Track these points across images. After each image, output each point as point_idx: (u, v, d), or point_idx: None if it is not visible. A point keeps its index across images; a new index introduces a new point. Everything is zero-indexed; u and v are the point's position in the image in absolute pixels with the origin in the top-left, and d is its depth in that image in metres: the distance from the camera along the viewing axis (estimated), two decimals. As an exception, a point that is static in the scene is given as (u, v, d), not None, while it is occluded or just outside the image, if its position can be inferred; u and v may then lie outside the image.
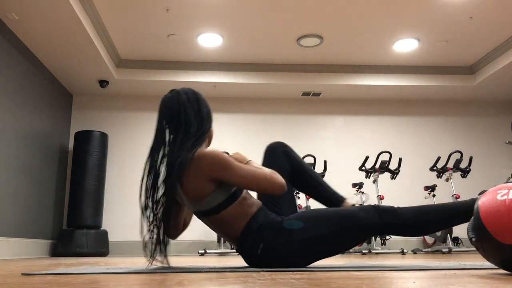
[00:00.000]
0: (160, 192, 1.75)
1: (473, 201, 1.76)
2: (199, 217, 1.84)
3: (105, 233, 5.52)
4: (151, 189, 1.75)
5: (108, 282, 1.20)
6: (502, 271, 1.42)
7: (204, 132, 1.80)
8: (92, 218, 5.42)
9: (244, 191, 1.80)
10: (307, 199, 5.50)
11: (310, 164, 5.65)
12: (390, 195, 6.03)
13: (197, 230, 6.09)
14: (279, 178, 1.70)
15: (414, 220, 1.83)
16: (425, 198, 5.99)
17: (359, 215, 1.77)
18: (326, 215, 1.79)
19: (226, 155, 1.70)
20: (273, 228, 1.74)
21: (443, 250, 5.14)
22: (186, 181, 1.70)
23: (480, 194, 5.41)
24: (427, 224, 1.87)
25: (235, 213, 1.74)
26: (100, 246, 5.35)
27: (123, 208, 6.06)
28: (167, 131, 1.76)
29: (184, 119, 1.77)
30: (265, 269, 1.62)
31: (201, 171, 1.67)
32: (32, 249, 4.99)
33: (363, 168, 5.67)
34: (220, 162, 1.66)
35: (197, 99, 1.84)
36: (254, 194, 1.91)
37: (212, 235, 5.94)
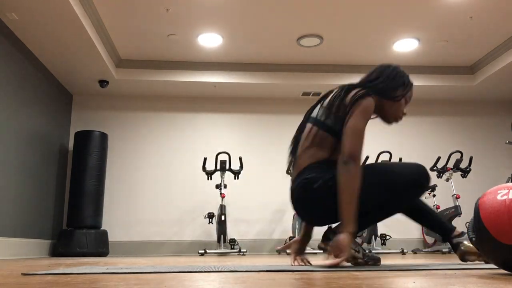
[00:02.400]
0: None
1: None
2: (313, 124, 1.99)
3: (105, 233, 5.52)
4: None
5: (108, 282, 1.20)
6: (502, 271, 1.42)
7: (383, 92, 1.99)
8: (92, 218, 5.42)
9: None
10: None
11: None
12: (390, 195, 6.03)
13: (197, 230, 6.09)
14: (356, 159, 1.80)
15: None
16: (425, 198, 5.99)
17: (400, 177, 1.88)
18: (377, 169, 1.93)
19: (371, 108, 1.90)
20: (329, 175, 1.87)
21: (443, 250, 5.15)
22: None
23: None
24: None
25: (328, 144, 1.91)
26: (100, 246, 5.35)
27: (123, 208, 6.07)
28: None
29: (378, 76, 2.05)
30: (264, 269, 1.62)
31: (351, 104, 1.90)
32: (32, 249, 4.99)
33: (363, 168, 5.66)
34: (361, 105, 1.87)
35: (398, 72, 2.05)
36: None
37: (212, 235, 5.95)
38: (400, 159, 5.67)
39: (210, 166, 5.78)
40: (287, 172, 5.70)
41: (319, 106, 2.03)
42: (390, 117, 2.05)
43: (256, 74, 6.06)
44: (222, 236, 5.38)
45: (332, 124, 1.92)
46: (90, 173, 5.51)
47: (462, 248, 2.00)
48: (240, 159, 5.68)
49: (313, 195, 1.88)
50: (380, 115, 2.07)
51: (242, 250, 5.34)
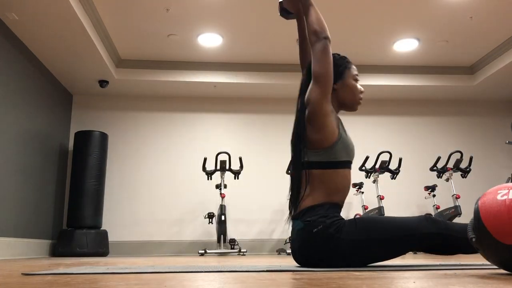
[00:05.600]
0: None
1: None
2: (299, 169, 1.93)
3: (105, 233, 5.52)
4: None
5: (108, 282, 1.20)
6: (502, 271, 1.42)
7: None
8: (92, 218, 5.42)
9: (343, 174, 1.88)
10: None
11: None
12: (390, 195, 6.03)
13: (197, 230, 6.09)
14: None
15: (462, 233, 1.80)
16: (425, 198, 5.99)
17: (412, 223, 1.79)
18: (381, 220, 1.83)
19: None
20: (328, 223, 1.79)
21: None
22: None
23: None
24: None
25: (326, 182, 1.85)
26: (100, 246, 5.35)
27: (123, 208, 6.07)
28: None
29: None
30: (264, 269, 1.62)
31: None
32: (32, 249, 4.99)
33: (363, 168, 5.67)
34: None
35: None
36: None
37: (212, 235, 5.94)
38: (400, 159, 5.67)
39: (210, 166, 5.78)
40: (287, 172, 5.70)
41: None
42: (349, 102, 2.02)
43: (256, 74, 6.06)
44: (222, 236, 5.38)
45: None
46: (90, 173, 5.51)
47: None
48: (240, 159, 5.68)
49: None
50: (342, 106, 2.04)
51: (242, 250, 5.34)
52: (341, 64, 2.00)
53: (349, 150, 1.91)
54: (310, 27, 1.93)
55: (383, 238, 1.77)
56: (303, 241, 1.80)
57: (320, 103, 1.85)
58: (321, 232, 1.76)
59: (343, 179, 1.88)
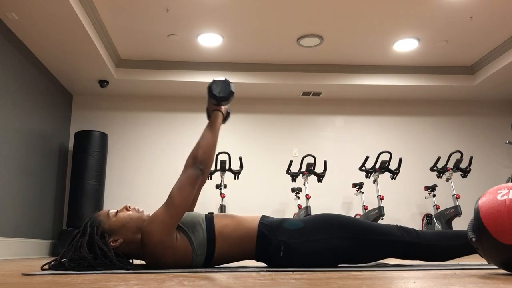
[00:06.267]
0: None
1: None
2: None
3: (105, 233, 5.51)
4: None
5: (108, 282, 1.20)
6: (502, 271, 1.42)
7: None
8: (92, 218, 5.41)
9: (220, 222, 1.78)
10: (307, 199, 5.50)
11: (310, 164, 5.65)
12: (390, 195, 6.03)
13: (197, 230, 6.09)
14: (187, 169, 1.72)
15: (434, 241, 1.83)
16: (425, 198, 5.99)
17: (382, 229, 1.80)
18: (348, 221, 1.82)
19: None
20: (284, 230, 1.77)
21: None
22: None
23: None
24: (445, 248, 1.85)
25: (233, 241, 1.75)
26: (100, 246, 5.35)
27: (123, 208, 6.06)
28: None
29: None
30: (264, 269, 1.62)
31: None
32: (32, 249, 4.99)
33: (363, 168, 5.67)
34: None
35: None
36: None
37: (212, 235, 5.95)
38: (400, 159, 5.67)
39: (210, 166, 5.78)
40: (287, 172, 5.70)
41: None
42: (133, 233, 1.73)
43: (256, 74, 6.06)
44: (222, 236, 5.37)
45: None
46: (90, 173, 5.51)
47: None
48: (240, 159, 5.68)
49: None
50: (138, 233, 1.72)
51: (242, 250, 5.33)
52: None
53: (190, 221, 1.76)
54: (195, 150, 1.75)
55: (353, 237, 1.77)
56: (294, 261, 1.75)
57: (163, 232, 1.64)
58: (286, 249, 1.72)
59: (221, 220, 1.79)
